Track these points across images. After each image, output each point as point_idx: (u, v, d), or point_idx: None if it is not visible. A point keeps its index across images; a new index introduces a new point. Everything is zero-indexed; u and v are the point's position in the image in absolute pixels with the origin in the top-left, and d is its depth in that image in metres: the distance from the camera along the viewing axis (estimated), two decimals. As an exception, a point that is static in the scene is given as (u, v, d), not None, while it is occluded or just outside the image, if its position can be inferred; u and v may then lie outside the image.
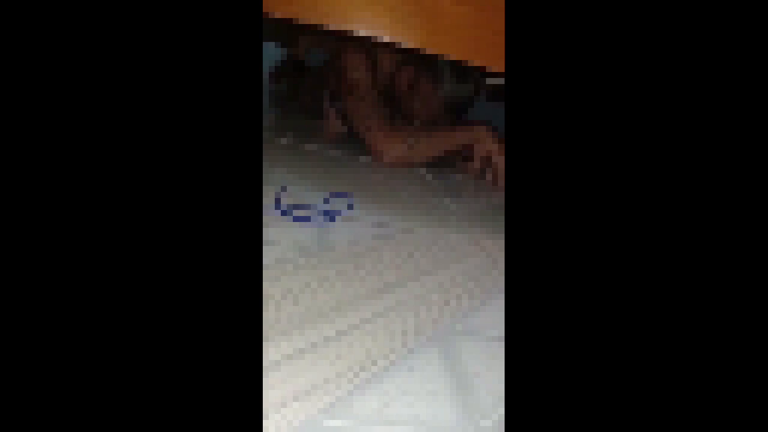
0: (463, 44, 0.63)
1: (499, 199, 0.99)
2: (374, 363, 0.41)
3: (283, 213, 0.66)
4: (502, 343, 0.48)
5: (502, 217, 0.88)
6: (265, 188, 0.72)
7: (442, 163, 1.07)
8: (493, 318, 0.52)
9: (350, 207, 0.73)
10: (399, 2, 0.60)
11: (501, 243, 0.73)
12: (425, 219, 0.77)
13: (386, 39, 0.62)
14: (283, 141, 1.01)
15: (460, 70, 1.07)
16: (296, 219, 0.65)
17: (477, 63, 0.65)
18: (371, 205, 0.77)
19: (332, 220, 0.68)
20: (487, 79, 1.24)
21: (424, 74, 1.08)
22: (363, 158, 1.00)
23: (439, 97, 1.10)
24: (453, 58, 0.65)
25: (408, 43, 0.62)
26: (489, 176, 1.03)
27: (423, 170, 1.05)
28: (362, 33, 0.62)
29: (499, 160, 1.00)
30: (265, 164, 0.82)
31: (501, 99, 1.37)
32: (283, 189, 0.73)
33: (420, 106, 1.10)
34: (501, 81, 1.30)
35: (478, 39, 0.62)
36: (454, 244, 0.70)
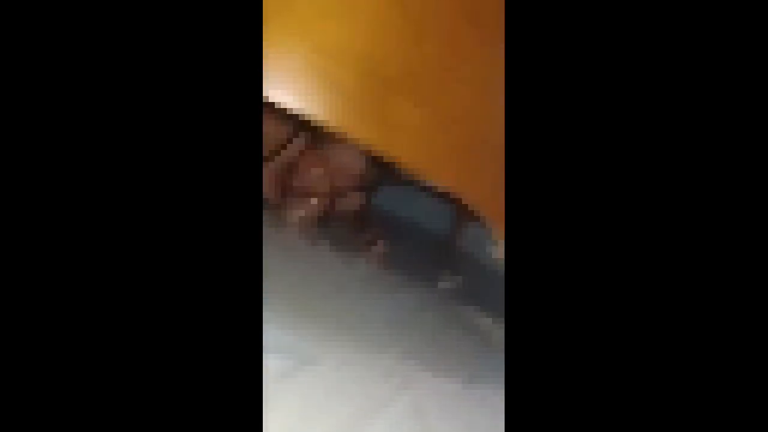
0: (381, 133, 0.65)
1: (398, 299, 0.99)
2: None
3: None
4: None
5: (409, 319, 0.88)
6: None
7: (350, 246, 1.06)
8: (398, 414, 0.50)
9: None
10: (317, 81, 0.62)
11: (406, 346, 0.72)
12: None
13: (303, 114, 0.63)
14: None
15: (368, 155, 1.11)
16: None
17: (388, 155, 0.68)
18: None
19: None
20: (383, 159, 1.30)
21: (331, 152, 1.10)
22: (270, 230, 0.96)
23: (343, 176, 1.12)
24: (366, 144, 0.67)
25: (325, 123, 0.63)
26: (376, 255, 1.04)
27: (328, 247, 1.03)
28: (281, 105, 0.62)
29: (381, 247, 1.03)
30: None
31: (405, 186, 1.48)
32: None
33: (319, 184, 1.11)
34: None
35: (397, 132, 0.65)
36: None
